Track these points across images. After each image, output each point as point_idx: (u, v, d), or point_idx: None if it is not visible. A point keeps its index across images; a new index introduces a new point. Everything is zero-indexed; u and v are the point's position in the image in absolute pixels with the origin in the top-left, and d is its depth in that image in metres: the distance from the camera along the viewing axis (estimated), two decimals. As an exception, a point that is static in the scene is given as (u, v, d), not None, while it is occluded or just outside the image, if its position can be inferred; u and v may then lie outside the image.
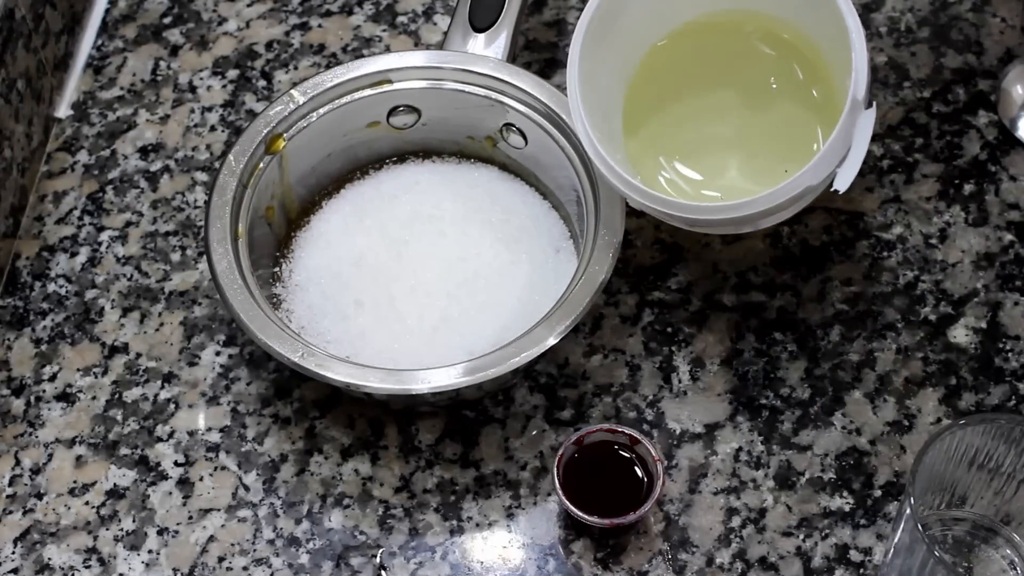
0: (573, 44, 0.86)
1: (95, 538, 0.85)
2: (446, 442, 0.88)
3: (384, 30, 1.05)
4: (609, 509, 0.81)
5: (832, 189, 0.83)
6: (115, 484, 0.87)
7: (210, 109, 1.02)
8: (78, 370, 0.91)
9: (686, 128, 0.93)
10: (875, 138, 0.84)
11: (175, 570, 0.84)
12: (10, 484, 0.87)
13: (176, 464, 0.88)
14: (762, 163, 0.91)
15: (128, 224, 0.97)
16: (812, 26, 0.89)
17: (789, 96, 0.92)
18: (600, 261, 0.84)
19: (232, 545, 0.85)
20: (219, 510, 0.86)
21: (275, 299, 0.90)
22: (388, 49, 1.04)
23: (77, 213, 0.98)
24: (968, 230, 0.94)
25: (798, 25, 0.90)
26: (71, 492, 0.87)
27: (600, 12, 0.86)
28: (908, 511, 0.73)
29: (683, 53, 0.92)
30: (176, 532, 0.85)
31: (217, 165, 0.98)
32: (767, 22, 0.91)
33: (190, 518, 0.86)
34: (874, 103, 0.83)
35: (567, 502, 0.81)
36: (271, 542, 0.85)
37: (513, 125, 0.92)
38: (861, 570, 0.83)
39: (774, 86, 0.92)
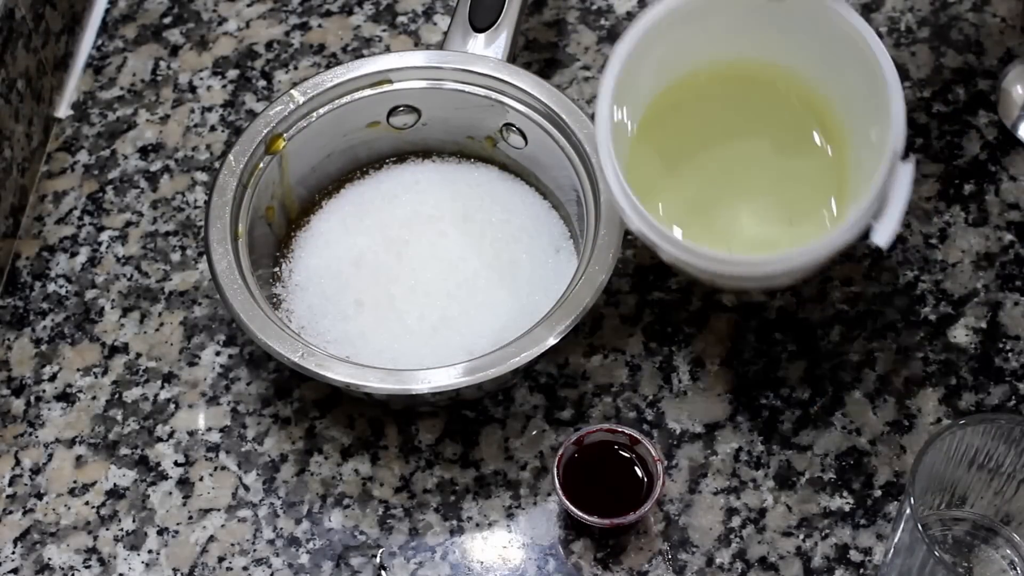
0: (606, 81, 0.82)
1: (95, 538, 0.85)
2: (446, 442, 0.88)
3: (384, 30, 1.05)
4: (609, 509, 0.81)
5: (872, 245, 0.79)
6: (115, 484, 0.87)
7: (210, 109, 1.02)
8: (78, 370, 0.91)
9: (690, 181, 0.89)
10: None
11: (175, 570, 0.84)
12: (10, 484, 0.87)
13: (176, 464, 0.88)
14: (768, 222, 0.88)
15: (128, 224, 0.97)
16: (832, 79, 0.85)
17: (798, 152, 0.88)
18: (600, 261, 0.84)
19: (232, 545, 0.85)
20: (219, 510, 0.86)
21: (275, 299, 0.90)
22: (388, 49, 1.04)
23: (77, 213, 0.98)
24: (968, 230, 0.94)
25: (815, 78, 0.86)
26: (71, 492, 0.87)
27: (637, 49, 0.83)
28: (908, 511, 0.73)
29: (689, 101, 0.88)
30: (176, 532, 0.85)
31: (217, 165, 0.98)
32: (782, 74, 0.87)
33: (190, 518, 0.86)
34: (911, 155, 0.80)
35: (567, 502, 0.81)
36: (271, 542, 0.85)
37: (513, 125, 0.92)
38: (861, 570, 0.83)
39: (783, 141, 0.88)
